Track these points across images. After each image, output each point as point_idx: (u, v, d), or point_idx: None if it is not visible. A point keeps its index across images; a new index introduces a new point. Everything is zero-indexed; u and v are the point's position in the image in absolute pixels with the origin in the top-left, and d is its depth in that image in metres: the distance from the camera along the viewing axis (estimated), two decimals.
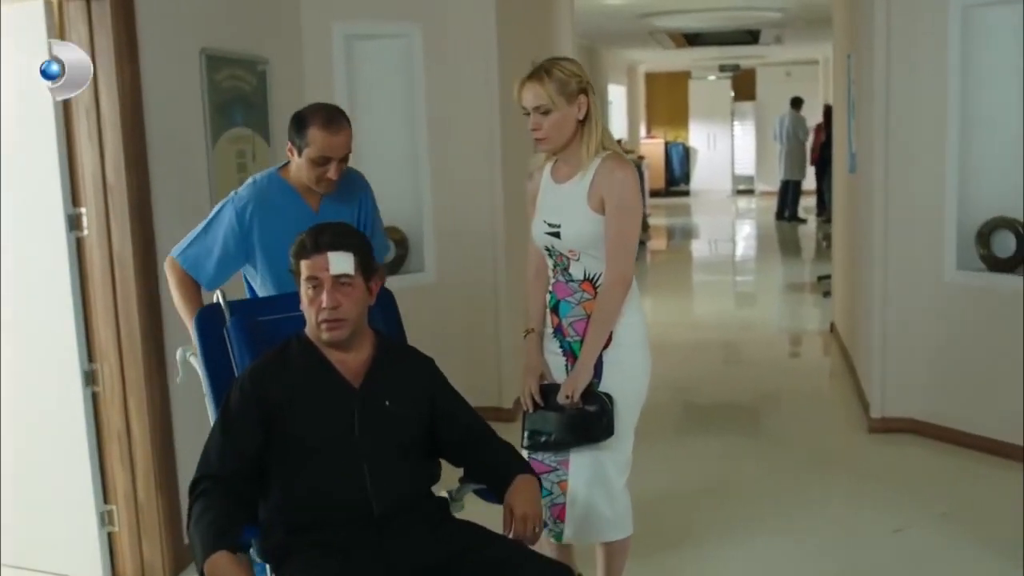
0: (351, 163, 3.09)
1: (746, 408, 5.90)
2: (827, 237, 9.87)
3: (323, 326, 2.38)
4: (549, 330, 3.06)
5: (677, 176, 20.09)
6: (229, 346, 2.69)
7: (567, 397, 2.90)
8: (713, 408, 6.00)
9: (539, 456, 3.01)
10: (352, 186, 3.17)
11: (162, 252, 3.70)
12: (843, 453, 5.00)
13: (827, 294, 8.60)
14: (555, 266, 3.01)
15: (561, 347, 3.01)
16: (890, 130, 4.96)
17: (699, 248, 13.89)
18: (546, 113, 2.86)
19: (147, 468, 3.68)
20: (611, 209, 2.84)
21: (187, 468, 3.71)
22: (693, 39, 14.14)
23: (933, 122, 4.83)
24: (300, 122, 2.98)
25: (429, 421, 2.49)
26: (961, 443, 4.83)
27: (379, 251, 3.18)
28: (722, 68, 19.17)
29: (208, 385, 2.72)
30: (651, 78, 20.62)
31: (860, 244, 5.71)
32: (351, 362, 2.43)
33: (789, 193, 14.96)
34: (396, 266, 5.19)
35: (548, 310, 3.05)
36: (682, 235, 15.25)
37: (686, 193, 20.00)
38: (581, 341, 2.93)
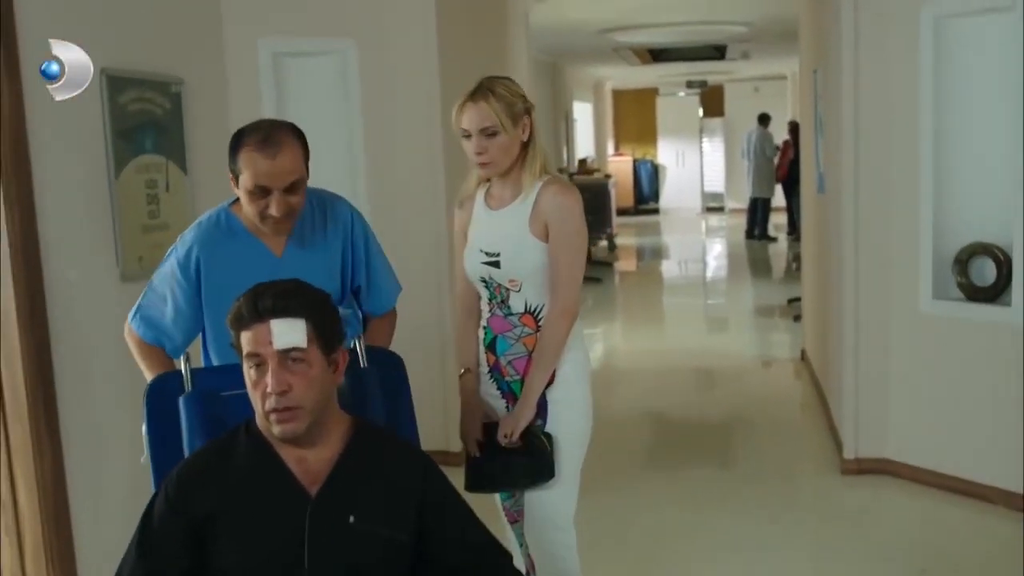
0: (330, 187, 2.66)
1: (712, 443, 5.54)
2: (797, 258, 9.55)
3: (271, 417, 1.88)
4: (484, 370, 2.83)
5: (646, 194, 19.81)
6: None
7: (505, 436, 2.70)
8: (678, 441, 5.66)
9: (507, 504, 2.91)
10: (331, 220, 2.59)
11: (53, 301, 3.31)
12: (813, 496, 4.65)
13: (798, 318, 8.28)
14: (492, 299, 2.78)
15: (499, 388, 2.81)
16: (859, 149, 4.64)
17: (669, 269, 13.57)
18: (492, 135, 2.66)
19: (36, 544, 3.27)
20: (556, 235, 2.67)
21: (90, 550, 3.34)
22: (658, 55, 13.87)
23: (905, 140, 4.51)
24: (234, 142, 2.42)
25: (416, 539, 1.96)
26: (940, 486, 4.49)
27: (385, 299, 2.76)
28: (689, 84, 18.94)
29: (153, 472, 2.25)
30: (618, 95, 20.38)
31: (829, 269, 5.38)
32: (312, 461, 1.94)
33: (758, 211, 14.69)
34: None
35: (483, 348, 2.82)
36: (651, 255, 14.94)
37: (655, 211, 19.72)
38: (521, 380, 2.74)
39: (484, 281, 2.78)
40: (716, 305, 10.82)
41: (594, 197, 13.71)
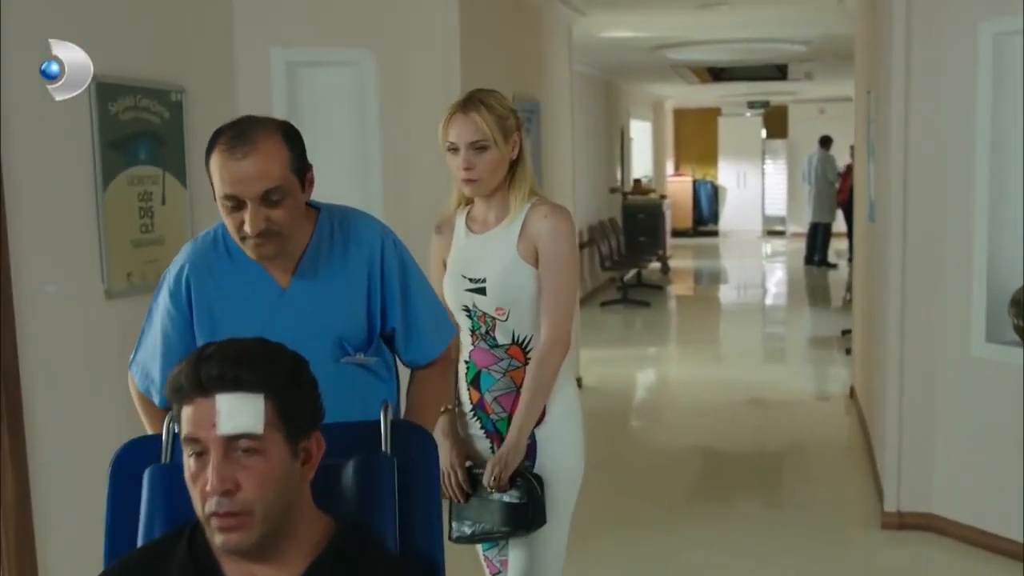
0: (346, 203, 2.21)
1: (753, 483, 5.26)
2: (851, 287, 9.13)
3: (212, 522, 1.44)
4: (467, 407, 2.60)
5: (705, 215, 19.38)
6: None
7: (494, 480, 2.47)
8: (720, 478, 5.42)
9: (490, 554, 2.70)
10: (354, 244, 2.11)
11: (26, 315, 3.12)
12: (849, 551, 4.29)
13: (850, 351, 7.88)
14: (475, 330, 2.56)
15: (484, 427, 2.58)
16: (909, 175, 4.29)
17: (725, 293, 13.14)
18: (482, 150, 2.46)
19: None
20: (546, 260, 2.48)
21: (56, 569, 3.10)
22: (718, 74, 13.51)
23: (959, 168, 4.15)
24: (209, 143, 1.99)
25: None
26: (989, 547, 4.10)
27: (429, 345, 2.22)
28: (751, 104, 18.49)
29: (104, 555, 1.77)
30: (680, 114, 19.99)
31: (876, 305, 5.02)
32: None
33: (818, 237, 14.21)
34: None
35: (465, 384, 2.59)
36: (708, 279, 14.54)
37: (715, 233, 19.28)
38: (508, 418, 2.52)
39: (467, 310, 2.56)
40: (771, 334, 10.42)
41: (648, 218, 13.44)
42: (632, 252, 12.77)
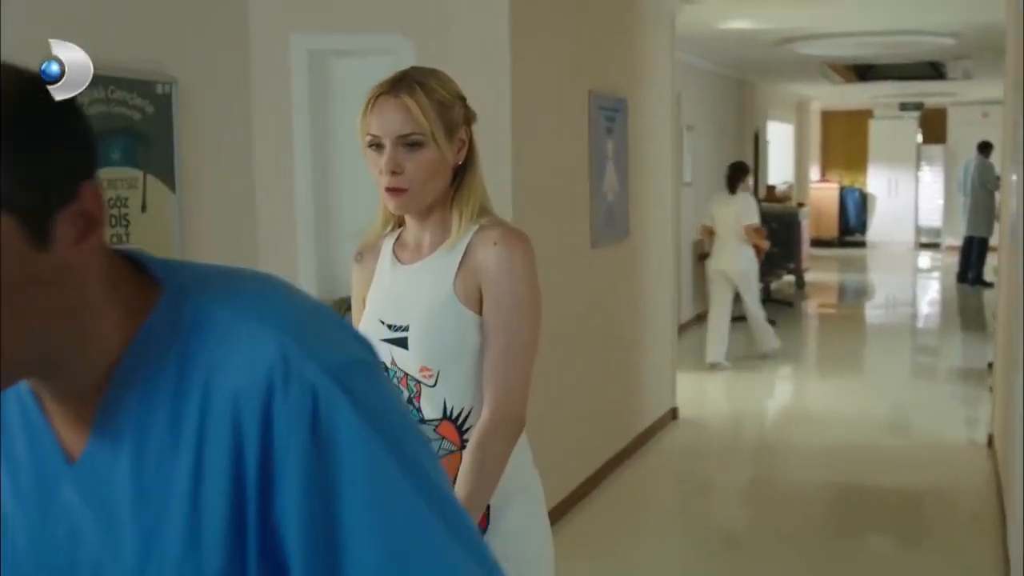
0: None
1: (867, 537, 4.64)
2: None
3: None
4: None
5: (852, 225, 18.07)
6: None
7: None
8: (832, 527, 4.85)
9: None
10: (198, 382, 0.88)
11: None
12: None
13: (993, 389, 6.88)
14: None
15: None
16: None
17: (871, 313, 11.99)
18: (415, 147, 1.84)
19: None
20: (496, 302, 1.84)
21: None
22: (864, 73, 12.41)
23: None
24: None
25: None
26: None
27: None
28: (903, 106, 17.13)
29: None
30: (827, 116, 18.76)
31: (1014, 340, 4.14)
32: None
33: (973, 252, 12.90)
34: None
35: None
36: (853, 295, 13.43)
37: (862, 244, 17.98)
38: None
39: (384, 369, 1.90)
40: (912, 364, 9.33)
41: (782, 228, 12.43)
42: (762, 265, 11.80)
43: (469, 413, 1.86)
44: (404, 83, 1.86)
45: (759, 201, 12.73)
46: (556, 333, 3.87)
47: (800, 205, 13.55)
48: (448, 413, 1.86)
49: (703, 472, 5.77)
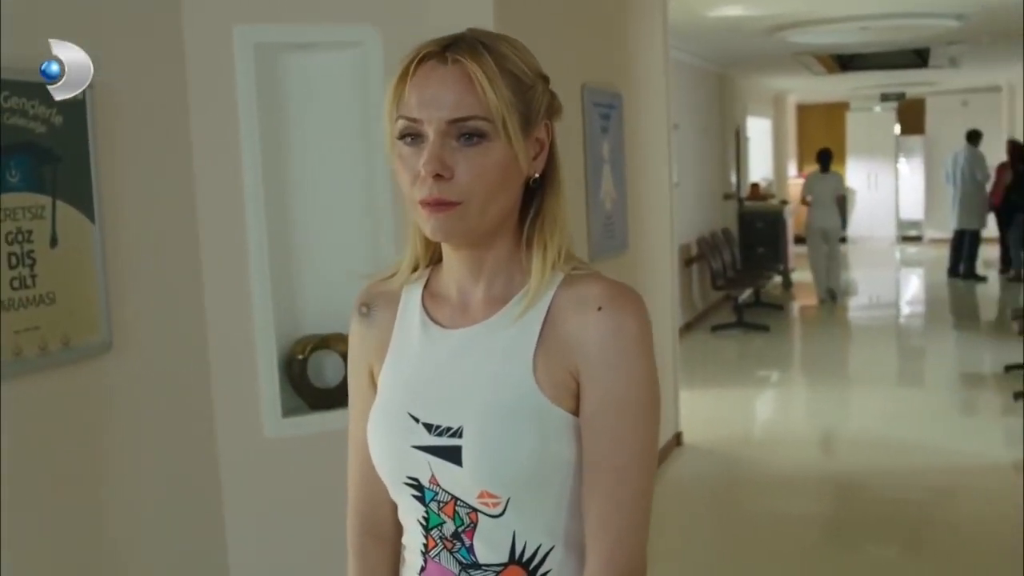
0: None
1: None
2: (1021, 315, 7.50)
3: None
4: None
5: None
6: None
7: None
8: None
9: None
10: None
11: None
12: None
13: (1020, 396, 6.36)
14: (430, 528, 1.28)
15: None
16: None
17: (856, 312, 11.47)
18: (473, 138, 1.19)
19: None
20: (602, 399, 1.21)
21: None
22: (847, 63, 11.92)
23: None
24: None
25: None
26: None
27: None
28: (884, 97, 16.68)
29: None
30: (803, 110, 18.30)
31: None
32: None
33: (965, 245, 12.46)
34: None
35: None
36: (841, 294, 12.95)
37: (842, 240, 17.54)
38: None
39: (414, 486, 1.27)
40: (910, 368, 8.81)
41: (768, 227, 11.99)
42: (749, 267, 11.29)
43: (547, 555, 1.25)
44: (463, 44, 1.20)
45: (742, 200, 12.26)
46: None
47: (784, 203, 13.06)
48: (519, 556, 1.24)
49: (717, 507, 5.18)
